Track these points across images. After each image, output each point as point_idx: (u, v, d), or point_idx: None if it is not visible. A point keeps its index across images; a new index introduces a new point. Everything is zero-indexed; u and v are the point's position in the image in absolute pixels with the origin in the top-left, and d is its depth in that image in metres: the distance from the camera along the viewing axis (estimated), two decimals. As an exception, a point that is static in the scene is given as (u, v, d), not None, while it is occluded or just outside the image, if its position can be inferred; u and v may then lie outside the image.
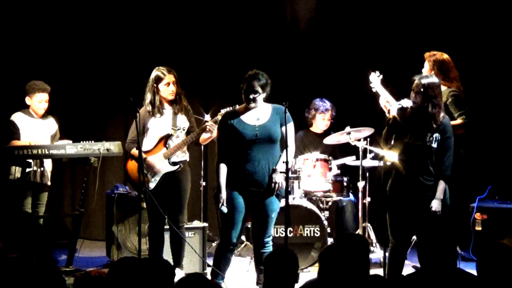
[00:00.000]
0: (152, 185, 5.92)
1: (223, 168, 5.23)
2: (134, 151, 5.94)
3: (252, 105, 5.21)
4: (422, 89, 5.14)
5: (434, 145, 5.16)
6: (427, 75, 5.25)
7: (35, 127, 6.49)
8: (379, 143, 6.35)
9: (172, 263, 6.08)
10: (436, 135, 5.17)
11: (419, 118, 5.18)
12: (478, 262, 3.56)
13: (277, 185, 5.18)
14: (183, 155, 6.01)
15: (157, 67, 6.00)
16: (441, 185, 5.18)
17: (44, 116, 6.57)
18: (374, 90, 5.84)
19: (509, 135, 7.60)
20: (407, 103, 5.19)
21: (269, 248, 5.32)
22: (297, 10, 7.99)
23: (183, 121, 6.00)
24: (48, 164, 6.53)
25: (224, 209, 5.19)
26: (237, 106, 5.39)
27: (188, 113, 6.03)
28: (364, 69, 7.63)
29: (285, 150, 5.21)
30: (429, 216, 5.12)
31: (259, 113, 5.26)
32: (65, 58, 7.97)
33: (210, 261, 6.70)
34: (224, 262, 5.32)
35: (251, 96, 5.18)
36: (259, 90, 5.18)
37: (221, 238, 5.36)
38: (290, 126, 5.29)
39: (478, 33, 7.60)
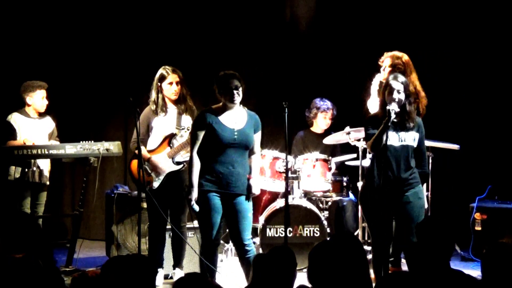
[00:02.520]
0: (156, 184, 5.92)
1: (196, 167, 5.19)
2: None
3: (236, 100, 5.16)
4: (402, 88, 5.14)
5: (413, 143, 5.21)
6: (398, 74, 5.23)
7: (32, 126, 6.50)
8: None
9: (172, 263, 6.11)
10: (413, 133, 5.19)
11: (397, 118, 5.16)
12: (482, 264, 3.55)
13: (253, 193, 5.25)
14: (188, 155, 6.01)
15: (163, 66, 6.01)
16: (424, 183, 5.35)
17: (41, 115, 6.57)
18: (372, 91, 5.86)
19: (509, 135, 7.59)
20: (395, 107, 5.14)
21: (252, 251, 5.25)
22: (296, 10, 7.99)
23: (187, 121, 5.99)
24: (45, 163, 6.53)
25: (196, 207, 5.16)
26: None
27: (193, 113, 6.01)
28: (364, 69, 7.65)
29: (285, 152, 5.19)
30: (408, 214, 5.18)
31: (237, 117, 5.23)
32: (65, 58, 7.97)
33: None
34: (213, 260, 5.28)
35: (235, 92, 5.13)
36: (240, 83, 5.17)
37: (203, 239, 5.29)
38: (259, 134, 5.33)
39: (480, 32, 7.59)
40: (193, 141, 5.25)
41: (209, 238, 5.24)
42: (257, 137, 5.31)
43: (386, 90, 5.17)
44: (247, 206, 5.25)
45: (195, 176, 5.19)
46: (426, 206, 5.36)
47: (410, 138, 5.20)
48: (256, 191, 5.29)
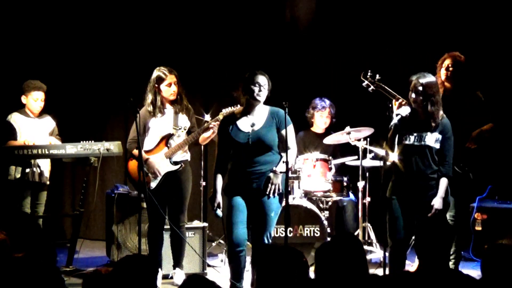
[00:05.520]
0: (153, 184, 5.92)
1: (219, 177, 5.19)
2: (136, 151, 5.94)
3: (258, 96, 5.11)
4: (421, 88, 5.16)
5: (435, 145, 5.19)
6: (424, 74, 5.25)
7: (32, 126, 6.49)
8: (379, 143, 6.38)
9: (172, 263, 6.11)
10: (435, 134, 5.19)
11: (418, 118, 5.20)
12: (482, 265, 3.55)
13: (273, 187, 5.08)
14: (185, 155, 6.01)
15: (158, 67, 5.98)
16: (443, 184, 5.22)
17: (40, 114, 6.57)
18: (370, 90, 5.88)
19: (509, 135, 7.59)
20: (405, 111, 5.19)
21: None
22: (296, 10, 7.99)
23: (184, 121, 6.00)
24: (45, 163, 6.53)
25: (219, 212, 5.14)
26: (235, 109, 5.34)
27: (189, 112, 6.03)
28: (364, 69, 7.64)
29: (286, 152, 5.17)
30: (429, 214, 5.15)
31: (255, 118, 5.18)
32: (65, 58, 7.97)
33: (210, 261, 6.72)
34: (239, 265, 5.16)
35: (255, 88, 5.10)
36: (264, 83, 5.12)
37: (228, 242, 5.19)
38: (290, 128, 5.18)
39: (478, 33, 7.58)
40: (218, 148, 5.28)
41: (233, 240, 5.12)
42: (286, 132, 5.13)
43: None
44: (272, 205, 5.12)
45: (219, 182, 5.18)
46: (436, 206, 5.25)
47: (432, 139, 5.19)
48: (274, 181, 5.07)
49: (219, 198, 5.15)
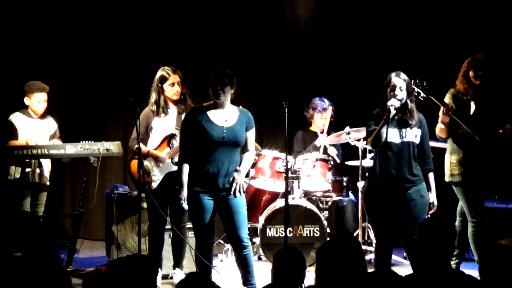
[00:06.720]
0: (154, 184, 5.92)
1: (186, 168, 5.19)
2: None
3: (221, 98, 5.14)
4: (404, 86, 5.18)
5: (415, 140, 5.24)
6: (400, 72, 5.26)
7: (34, 127, 6.49)
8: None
9: (172, 263, 6.11)
10: (415, 129, 5.24)
11: (399, 115, 5.20)
12: (480, 265, 3.56)
13: (237, 186, 5.17)
14: None
15: (162, 67, 5.99)
16: (433, 179, 5.32)
17: (43, 116, 6.56)
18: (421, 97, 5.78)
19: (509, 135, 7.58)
20: (397, 102, 5.18)
21: (249, 248, 5.24)
22: (296, 9, 7.99)
23: None
24: (46, 164, 6.53)
25: (185, 206, 5.18)
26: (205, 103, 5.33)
27: None
28: (363, 68, 7.64)
29: (285, 152, 5.17)
30: (430, 212, 5.22)
31: (227, 114, 5.21)
32: (65, 58, 7.97)
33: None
34: (208, 259, 5.27)
35: (219, 87, 5.11)
36: (226, 80, 5.13)
37: (197, 239, 5.31)
38: (253, 131, 5.30)
39: (476, 34, 7.59)
40: (183, 139, 5.27)
41: (202, 238, 5.26)
42: (250, 135, 5.28)
43: (388, 87, 5.19)
44: (239, 201, 5.21)
45: (184, 175, 5.19)
46: (435, 202, 5.33)
47: (412, 134, 5.23)
48: (239, 180, 5.17)
49: (186, 192, 5.18)
